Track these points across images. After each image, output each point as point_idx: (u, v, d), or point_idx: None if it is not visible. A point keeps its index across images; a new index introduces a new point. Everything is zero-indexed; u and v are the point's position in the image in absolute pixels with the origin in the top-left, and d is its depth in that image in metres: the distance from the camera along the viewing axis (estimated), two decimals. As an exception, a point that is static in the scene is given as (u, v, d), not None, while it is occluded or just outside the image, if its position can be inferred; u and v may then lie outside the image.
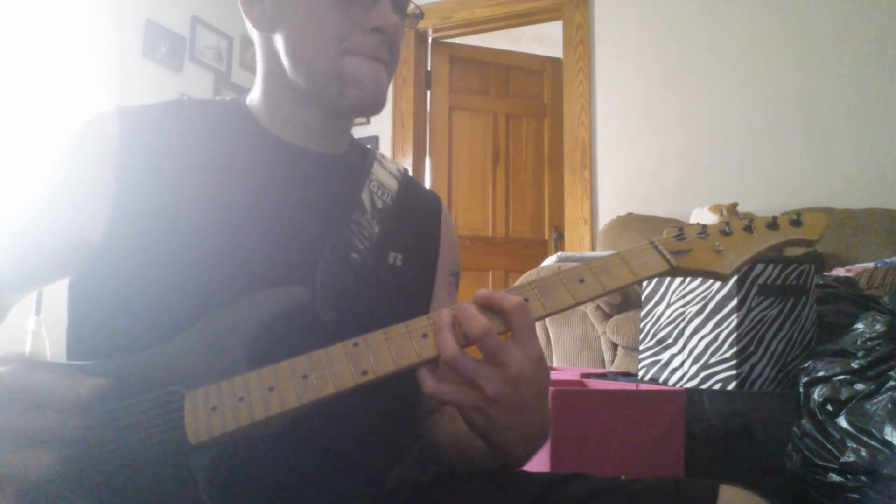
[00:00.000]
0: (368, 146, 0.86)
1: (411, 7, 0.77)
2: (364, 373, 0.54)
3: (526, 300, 0.58)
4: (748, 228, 0.66)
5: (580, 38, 3.17)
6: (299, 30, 0.71)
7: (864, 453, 1.15)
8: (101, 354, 0.58)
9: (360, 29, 0.70)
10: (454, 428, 0.73)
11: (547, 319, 2.14)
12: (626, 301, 2.29)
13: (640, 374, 1.67)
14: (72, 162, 0.68)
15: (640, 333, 1.69)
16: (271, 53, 0.74)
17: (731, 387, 1.41)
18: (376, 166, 0.81)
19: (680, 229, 0.66)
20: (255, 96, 0.78)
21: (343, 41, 0.70)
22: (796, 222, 0.67)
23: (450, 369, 0.56)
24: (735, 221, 0.67)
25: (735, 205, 2.21)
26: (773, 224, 0.67)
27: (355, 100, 0.72)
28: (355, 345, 0.56)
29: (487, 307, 0.58)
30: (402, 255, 0.76)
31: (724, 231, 0.66)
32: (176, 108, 0.74)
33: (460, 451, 0.72)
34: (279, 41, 0.73)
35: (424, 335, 0.57)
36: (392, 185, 0.80)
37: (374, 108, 0.74)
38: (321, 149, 0.77)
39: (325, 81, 0.71)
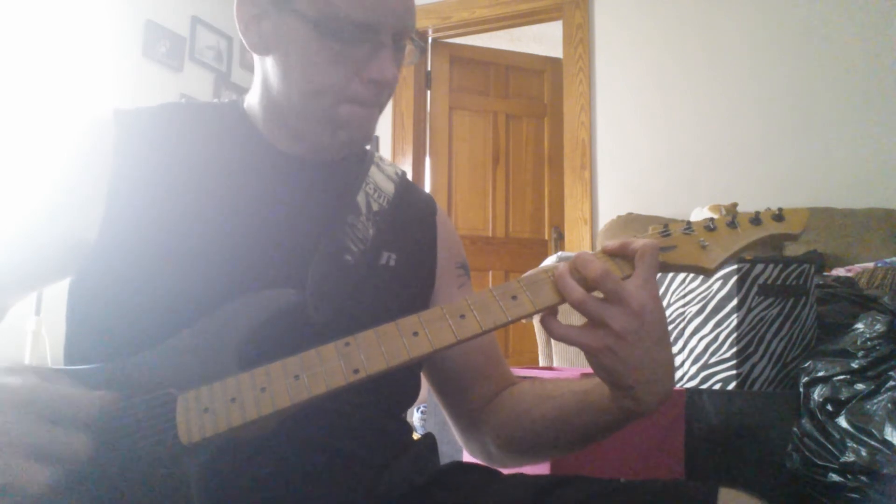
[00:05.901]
0: (367, 148, 0.86)
1: (409, 49, 0.74)
2: (355, 371, 0.55)
3: (514, 297, 0.59)
4: (732, 224, 0.68)
5: (580, 38, 3.17)
6: (296, 73, 0.69)
7: (864, 453, 1.15)
8: (97, 358, 0.58)
9: (359, 79, 0.69)
10: (545, 408, 0.72)
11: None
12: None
13: (640, 374, 1.67)
14: (70, 164, 0.68)
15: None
16: (266, 73, 0.73)
17: (731, 387, 1.41)
18: (374, 169, 0.81)
19: (665, 226, 0.68)
20: (252, 101, 0.77)
21: (340, 92, 0.69)
22: (778, 217, 0.70)
23: (578, 311, 0.59)
24: (719, 218, 0.68)
25: (735, 205, 2.21)
26: (755, 219, 0.69)
27: (345, 139, 0.72)
28: (346, 344, 0.56)
29: (616, 252, 0.63)
30: (395, 255, 0.76)
31: (709, 227, 0.67)
32: (172, 112, 0.74)
33: (564, 427, 0.70)
34: (274, 68, 0.71)
35: (415, 333, 0.57)
36: (389, 188, 0.80)
37: (361, 146, 0.74)
38: (316, 157, 0.76)
39: (316, 125, 0.71)
